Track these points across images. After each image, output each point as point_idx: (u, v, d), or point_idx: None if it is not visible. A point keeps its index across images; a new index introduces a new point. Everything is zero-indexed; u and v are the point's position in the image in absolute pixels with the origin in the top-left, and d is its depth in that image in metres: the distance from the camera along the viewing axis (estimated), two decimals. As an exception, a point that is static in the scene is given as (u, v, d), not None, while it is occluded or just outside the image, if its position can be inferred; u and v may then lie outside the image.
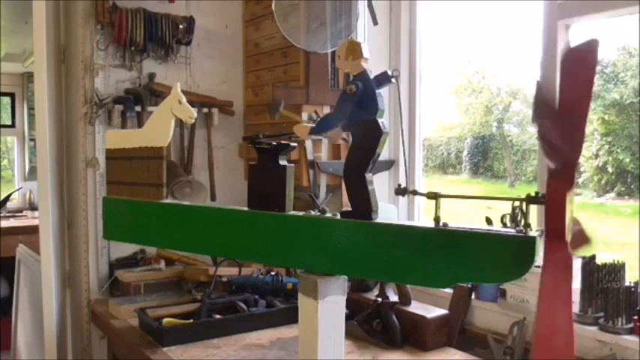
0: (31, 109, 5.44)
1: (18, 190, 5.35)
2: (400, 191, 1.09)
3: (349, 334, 1.62)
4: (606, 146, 2.45)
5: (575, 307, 1.65)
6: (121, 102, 2.35)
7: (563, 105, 0.84)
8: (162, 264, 2.35)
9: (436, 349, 1.71)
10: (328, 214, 1.13)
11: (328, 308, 1.12)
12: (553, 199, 0.83)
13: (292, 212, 1.18)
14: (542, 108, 0.86)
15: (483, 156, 3.14)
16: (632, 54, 2.26)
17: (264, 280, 2.05)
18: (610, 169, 2.42)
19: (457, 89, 3.14)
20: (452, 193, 1.03)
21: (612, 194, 2.45)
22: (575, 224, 0.89)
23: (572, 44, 0.84)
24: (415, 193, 1.08)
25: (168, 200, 1.42)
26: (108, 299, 2.21)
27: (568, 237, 0.85)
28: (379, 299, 1.81)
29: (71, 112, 2.42)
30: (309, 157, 2.31)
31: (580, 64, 0.83)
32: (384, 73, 1.09)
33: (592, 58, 0.82)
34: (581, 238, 0.91)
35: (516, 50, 2.46)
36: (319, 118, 1.23)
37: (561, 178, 0.83)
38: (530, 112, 1.92)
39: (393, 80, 1.10)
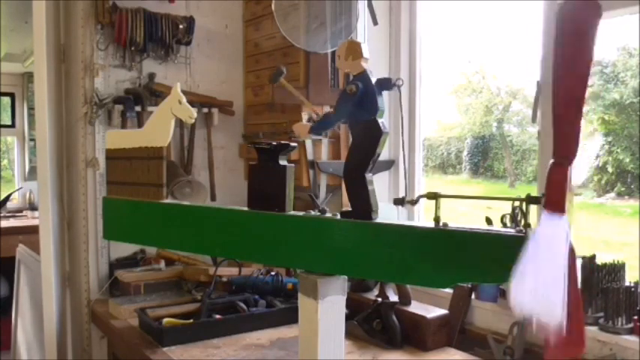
0: (31, 109, 5.44)
1: (18, 190, 5.35)
2: (398, 201, 1.10)
3: (349, 334, 1.61)
4: (606, 146, 2.45)
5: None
6: (121, 102, 2.35)
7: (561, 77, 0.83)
8: (162, 264, 2.35)
9: (436, 349, 1.71)
10: (328, 214, 1.14)
11: (328, 308, 1.12)
12: (554, 172, 0.83)
13: (292, 212, 1.18)
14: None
15: (483, 156, 3.14)
16: (632, 54, 2.26)
17: (264, 280, 2.05)
18: (610, 169, 2.42)
19: (457, 89, 3.14)
20: (452, 193, 1.03)
21: (612, 194, 2.45)
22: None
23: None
24: (413, 203, 1.09)
25: (168, 200, 1.43)
26: (108, 299, 2.21)
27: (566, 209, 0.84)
28: (379, 299, 1.81)
29: (71, 112, 2.42)
30: (309, 157, 2.31)
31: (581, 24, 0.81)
32: (388, 80, 1.10)
33: (592, 25, 0.80)
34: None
35: (516, 50, 2.46)
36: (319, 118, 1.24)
37: (563, 154, 0.83)
38: (530, 112, 1.92)
39: (395, 88, 1.10)
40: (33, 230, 2.85)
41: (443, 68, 2.71)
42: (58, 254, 2.40)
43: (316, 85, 2.29)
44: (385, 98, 1.14)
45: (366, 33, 2.31)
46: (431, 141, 3.18)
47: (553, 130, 0.84)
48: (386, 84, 1.10)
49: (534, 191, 0.91)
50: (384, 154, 2.37)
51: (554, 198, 0.82)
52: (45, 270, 2.36)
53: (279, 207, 1.18)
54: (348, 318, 1.47)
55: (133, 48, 2.37)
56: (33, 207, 4.98)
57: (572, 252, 0.82)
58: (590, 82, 0.83)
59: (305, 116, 2.27)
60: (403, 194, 1.09)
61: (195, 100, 2.49)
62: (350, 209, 1.10)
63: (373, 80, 1.10)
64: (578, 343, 0.82)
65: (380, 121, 1.08)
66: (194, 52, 2.59)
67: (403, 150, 1.24)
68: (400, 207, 2.40)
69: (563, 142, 0.83)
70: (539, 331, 0.79)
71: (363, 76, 1.09)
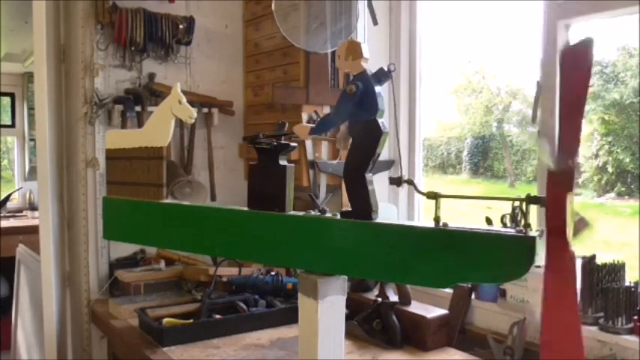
0: (31, 109, 5.44)
1: (18, 190, 5.35)
2: (395, 181, 1.09)
3: (349, 334, 1.61)
4: (606, 146, 2.45)
5: (575, 307, 1.65)
6: (121, 102, 2.35)
7: (563, 103, 0.85)
8: (162, 264, 2.35)
9: (436, 349, 1.71)
10: (328, 214, 1.14)
11: (328, 308, 1.12)
12: (553, 196, 0.83)
13: (292, 212, 1.18)
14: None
15: (483, 156, 3.14)
16: (632, 54, 2.26)
17: (264, 280, 2.05)
18: (610, 169, 2.42)
19: (457, 89, 3.14)
20: (452, 193, 1.03)
21: (612, 194, 2.45)
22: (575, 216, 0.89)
23: (570, 43, 0.85)
24: (411, 182, 1.08)
25: (168, 200, 1.43)
26: (108, 299, 2.21)
27: (569, 235, 0.84)
28: (379, 299, 1.81)
29: (71, 112, 2.42)
30: (309, 157, 2.31)
31: (576, 63, 0.83)
32: (381, 70, 1.09)
33: (587, 57, 0.82)
34: (581, 224, 0.90)
35: (516, 50, 2.46)
36: (319, 119, 1.23)
37: (561, 176, 0.83)
38: (530, 112, 1.92)
39: (393, 74, 1.10)
40: (33, 230, 2.84)
41: (443, 68, 2.71)
42: (58, 254, 2.40)
43: (316, 85, 2.30)
44: (385, 98, 1.14)
45: (366, 33, 2.30)
46: (431, 141, 3.18)
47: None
48: (382, 75, 1.09)
49: (534, 191, 0.91)
50: (384, 154, 2.37)
51: (557, 222, 0.83)
52: (45, 270, 2.36)
53: (279, 207, 1.18)
54: (348, 318, 1.47)
55: (133, 48, 2.37)
56: (33, 207, 4.98)
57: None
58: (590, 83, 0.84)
59: (305, 117, 2.27)
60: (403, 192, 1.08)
61: (195, 100, 2.49)
62: (350, 209, 1.10)
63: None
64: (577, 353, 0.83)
65: (380, 121, 1.08)
66: (194, 52, 2.59)
67: (397, 129, 1.23)
68: (401, 200, 2.40)
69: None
70: None
71: (363, 76, 1.09)
